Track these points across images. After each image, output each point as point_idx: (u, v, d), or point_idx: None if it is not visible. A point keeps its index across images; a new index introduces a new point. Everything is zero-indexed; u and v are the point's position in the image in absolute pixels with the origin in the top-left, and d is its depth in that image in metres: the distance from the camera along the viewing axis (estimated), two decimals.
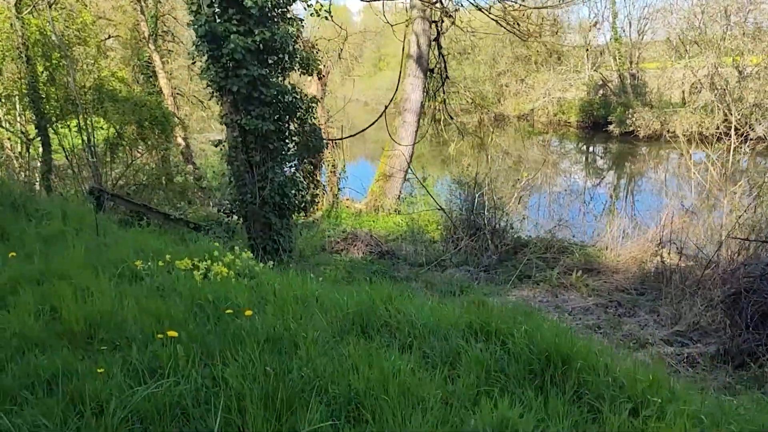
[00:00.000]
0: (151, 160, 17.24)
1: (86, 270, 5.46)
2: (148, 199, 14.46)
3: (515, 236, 17.59)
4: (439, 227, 20.53)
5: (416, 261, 16.30)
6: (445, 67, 24.25)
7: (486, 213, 18.20)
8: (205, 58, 10.55)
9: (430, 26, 23.29)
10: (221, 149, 11.15)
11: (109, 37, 19.31)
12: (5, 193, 8.56)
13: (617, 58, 44.01)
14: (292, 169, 11.26)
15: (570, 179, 31.10)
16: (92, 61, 15.53)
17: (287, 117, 11.11)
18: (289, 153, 11.28)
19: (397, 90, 23.08)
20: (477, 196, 18.30)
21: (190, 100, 25.51)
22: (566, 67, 46.43)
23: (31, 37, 14.09)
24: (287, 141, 11.18)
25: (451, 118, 24.67)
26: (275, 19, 10.81)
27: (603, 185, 30.45)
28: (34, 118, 15.78)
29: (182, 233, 12.60)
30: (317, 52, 11.06)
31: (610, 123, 40.10)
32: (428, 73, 23.73)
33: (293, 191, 11.02)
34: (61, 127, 15.62)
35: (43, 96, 14.46)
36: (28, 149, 16.02)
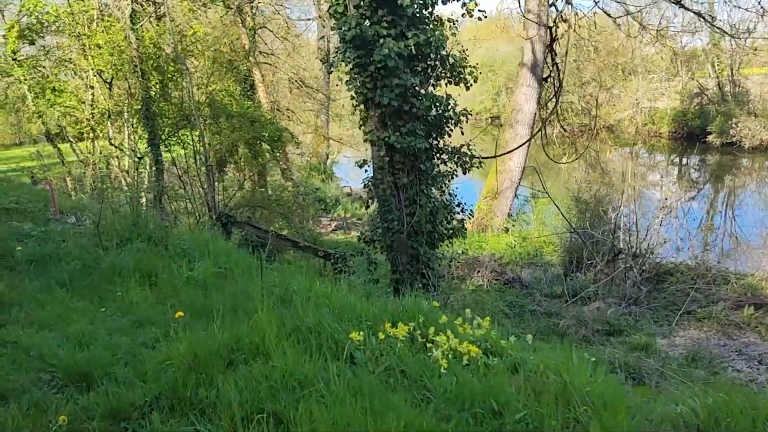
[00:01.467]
0: (247, 178, 16.21)
1: (283, 342, 4.08)
2: (264, 222, 13.35)
3: (656, 262, 15.54)
4: (556, 249, 18.72)
5: (552, 291, 14.57)
6: (560, 76, 22.36)
7: (623, 235, 16.29)
8: (348, 66, 9.24)
9: (546, 31, 21.48)
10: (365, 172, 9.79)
11: (213, 50, 18.64)
12: (141, 226, 7.43)
13: (716, 64, 40.64)
14: (443, 192, 9.76)
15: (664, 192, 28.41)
16: (205, 75, 14.67)
17: (437, 132, 9.64)
18: (438, 173, 9.80)
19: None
20: (616, 215, 16.36)
21: (286, 114, 24.67)
22: (657, 75, 43.37)
23: (145, 50, 13.31)
24: (437, 159, 9.71)
25: (565, 130, 22.79)
26: (425, 21, 9.40)
27: (699, 198, 27.64)
28: (144, 135, 15.03)
29: (320, 266, 11.37)
30: (466, 59, 9.51)
31: (709, 133, 37.06)
32: (543, 82, 21.94)
33: (446, 217, 9.52)
34: (173, 144, 14.80)
35: (156, 112, 13.66)
36: (137, 168, 15.29)
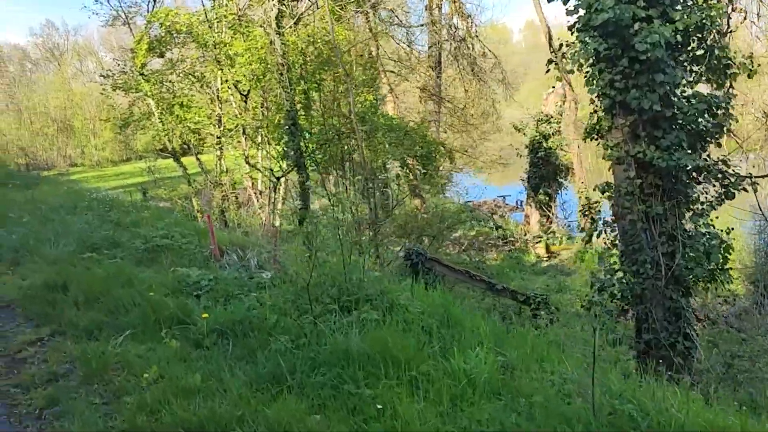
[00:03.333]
0: (403, 199, 14.28)
1: None
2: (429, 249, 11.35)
3: None
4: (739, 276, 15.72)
5: None
6: None
7: None
8: (589, 61, 7.05)
9: None
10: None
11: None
12: (355, 281, 5.52)
13: None
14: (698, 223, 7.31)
15: None
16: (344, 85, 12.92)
17: (702, 145, 7.26)
18: (697, 199, 7.39)
19: None
20: None
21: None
22: None
23: (291, 57, 11.70)
24: (700, 181, 7.32)
25: None
26: None
27: None
28: (278, 152, 13.43)
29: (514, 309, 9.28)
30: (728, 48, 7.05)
31: None
32: None
33: (719, 257, 7.09)
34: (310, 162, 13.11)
35: (301, 126, 12.01)
36: (275, 189, 13.72)
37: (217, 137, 15.69)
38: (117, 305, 5.77)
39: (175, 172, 33.37)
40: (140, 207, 11.54)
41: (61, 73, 64.28)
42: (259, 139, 14.44)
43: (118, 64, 17.53)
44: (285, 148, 14.13)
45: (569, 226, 23.78)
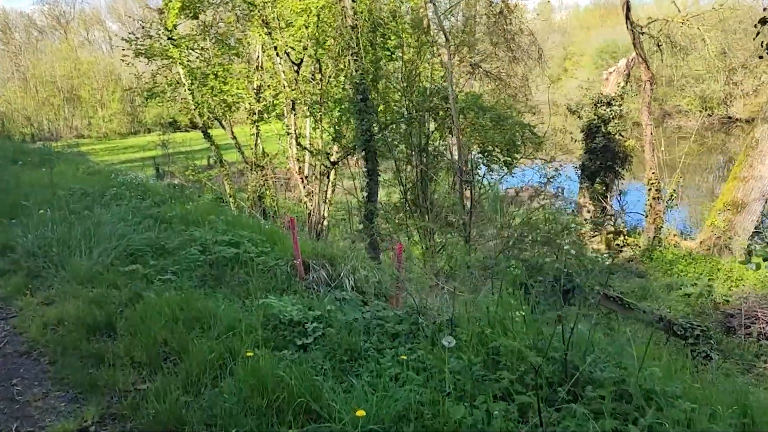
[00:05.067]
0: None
1: None
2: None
3: None
4: None
5: None
6: None
7: None
8: None
9: None
10: None
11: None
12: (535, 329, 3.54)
13: None
14: None
15: None
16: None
17: None
18: None
19: None
20: None
21: None
22: None
23: (362, 22, 9.59)
24: None
25: None
26: None
27: None
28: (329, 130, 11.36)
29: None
30: None
31: None
32: None
33: None
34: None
35: (374, 103, 9.92)
36: (327, 175, 11.69)
37: (256, 113, 13.60)
38: (194, 370, 3.80)
39: (189, 147, 31.31)
40: (181, 195, 9.53)
41: (67, 41, 62.09)
42: (308, 116, 12.34)
43: (142, 26, 15.35)
44: (337, 128, 12.12)
45: (626, 220, 21.74)
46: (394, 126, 10.30)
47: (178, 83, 15.40)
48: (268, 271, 5.93)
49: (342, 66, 10.71)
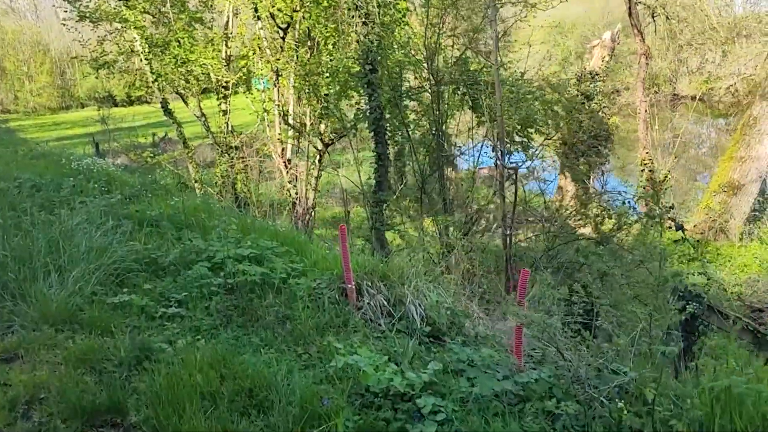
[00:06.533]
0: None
1: None
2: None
3: None
4: None
5: None
6: None
7: None
8: None
9: None
10: None
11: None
12: None
13: None
14: None
15: None
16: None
17: None
18: None
19: None
20: None
21: None
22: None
23: None
24: None
25: None
26: None
27: None
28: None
29: None
30: None
31: None
32: None
33: None
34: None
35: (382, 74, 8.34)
36: (320, 159, 10.09)
37: (230, 86, 11.78)
38: None
39: (129, 123, 28.59)
40: (158, 187, 7.77)
41: None
42: (292, 90, 10.64)
43: None
44: (326, 104, 10.52)
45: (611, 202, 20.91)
46: (409, 101, 8.81)
47: (132, 51, 13.36)
48: (312, 300, 4.41)
49: (345, 30, 9.10)
